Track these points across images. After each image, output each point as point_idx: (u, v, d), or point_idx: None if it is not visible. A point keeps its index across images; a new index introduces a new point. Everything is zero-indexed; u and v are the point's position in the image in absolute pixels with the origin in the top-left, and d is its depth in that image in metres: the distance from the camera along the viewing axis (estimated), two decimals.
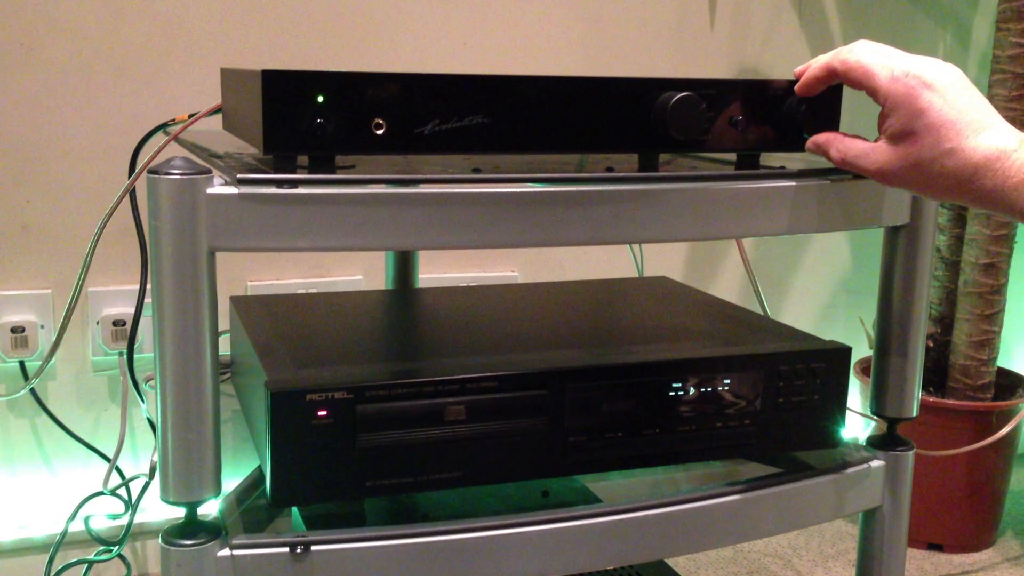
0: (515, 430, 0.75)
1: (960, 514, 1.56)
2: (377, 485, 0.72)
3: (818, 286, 1.70)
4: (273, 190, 0.65)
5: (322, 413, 0.70)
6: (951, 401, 1.51)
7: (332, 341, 0.84)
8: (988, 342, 1.50)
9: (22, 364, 1.24)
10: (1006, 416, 1.46)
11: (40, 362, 1.25)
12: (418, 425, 0.73)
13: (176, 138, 0.92)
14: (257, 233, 0.65)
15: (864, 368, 1.54)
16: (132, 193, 0.91)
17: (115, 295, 1.27)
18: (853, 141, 0.74)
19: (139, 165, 0.90)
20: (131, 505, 1.16)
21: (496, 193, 0.69)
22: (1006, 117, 1.37)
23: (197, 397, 0.66)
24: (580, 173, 0.73)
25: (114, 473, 1.22)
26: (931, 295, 1.56)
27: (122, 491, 1.19)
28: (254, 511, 0.75)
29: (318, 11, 1.33)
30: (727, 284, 1.63)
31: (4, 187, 1.23)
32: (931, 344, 1.56)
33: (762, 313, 1.02)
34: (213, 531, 0.69)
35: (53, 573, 1.22)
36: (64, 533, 1.20)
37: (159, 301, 0.65)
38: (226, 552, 0.69)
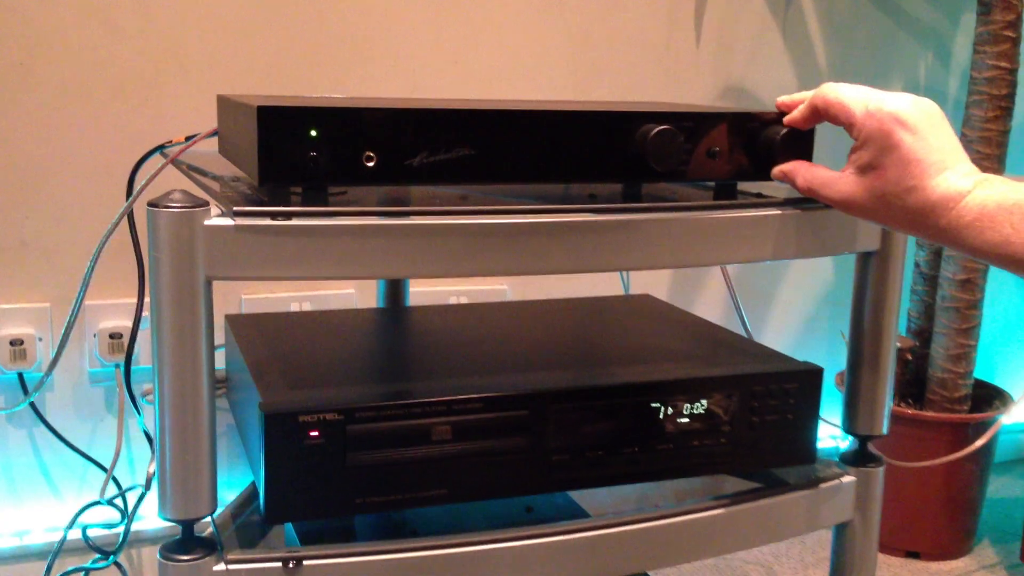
0: (499, 449, 0.78)
1: (937, 522, 1.59)
2: (366, 502, 0.75)
3: (801, 299, 1.73)
4: (268, 222, 0.68)
5: (314, 434, 0.73)
6: (929, 413, 1.55)
7: (323, 361, 0.87)
8: (964, 355, 1.54)
9: (20, 376, 1.27)
10: (982, 428, 1.49)
11: (38, 373, 1.28)
12: (406, 444, 0.76)
13: (173, 160, 0.95)
14: (252, 263, 0.68)
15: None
16: (130, 213, 0.94)
17: (111, 308, 1.30)
18: (819, 170, 0.77)
19: (137, 186, 0.93)
20: (127, 515, 1.19)
21: (482, 224, 0.72)
22: (981, 138, 1.43)
23: (194, 419, 0.69)
24: (564, 204, 0.76)
25: (110, 483, 1.25)
26: (910, 309, 1.61)
27: (118, 500, 1.22)
28: (248, 526, 0.78)
29: (311, 33, 1.36)
30: (712, 299, 1.67)
31: (3, 204, 1.26)
32: (910, 357, 1.60)
33: (744, 331, 1.05)
34: (209, 546, 0.72)
35: None
36: (63, 540, 1.23)
37: (158, 326, 0.68)
38: (222, 567, 0.72)
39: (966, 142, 1.49)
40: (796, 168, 0.79)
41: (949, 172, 0.70)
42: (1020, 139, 1.63)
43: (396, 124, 0.71)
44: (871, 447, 0.93)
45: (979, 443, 1.44)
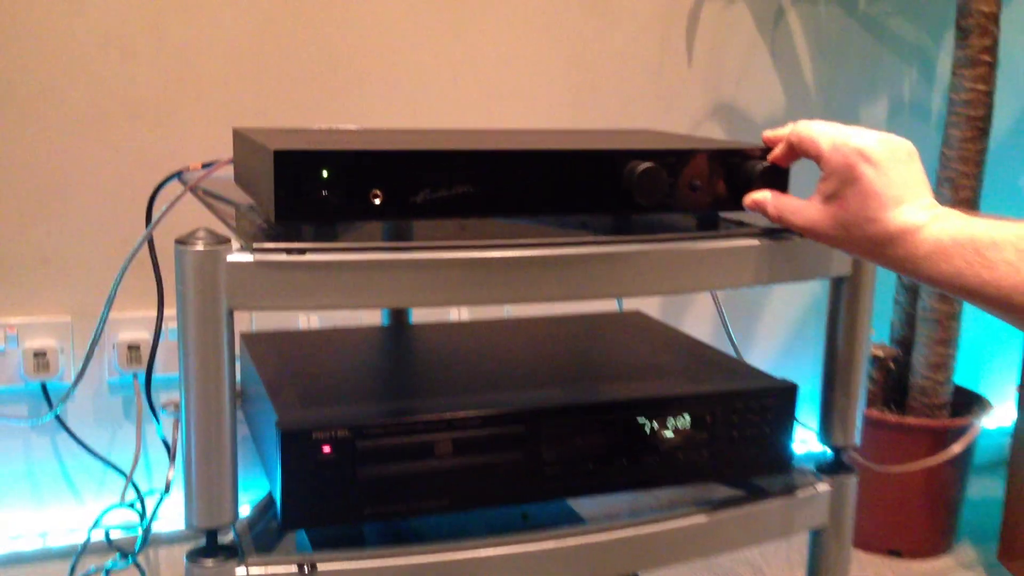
0: (497, 462, 0.85)
1: (918, 522, 1.66)
2: (375, 512, 0.82)
3: (789, 309, 1.80)
4: (284, 257, 0.74)
5: (326, 449, 0.80)
6: (910, 419, 1.62)
7: (332, 379, 0.94)
8: (944, 364, 1.60)
9: (44, 386, 1.34)
10: (961, 433, 1.56)
11: (60, 383, 1.34)
12: (411, 458, 0.82)
13: (191, 188, 1.02)
14: (270, 295, 0.74)
15: None
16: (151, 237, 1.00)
17: (129, 321, 1.36)
18: (788, 198, 0.83)
19: (156, 210, 0.99)
20: (146, 518, 1.26)
21: (481, 258, 0.78)
22: (959, 156, 1.48)
23: (217, 438, 0.75)
24: (558, 238, 0.82)
25: (129, 487, 1.32)
26: (893, 319, 1.67)
27: (137, 503, 1.29)
28: (265, 533, 0.84)
29: (317, 57, 1.42)
30: (702, 313, 1.73)
31: (27, 222, 1.32)
32: (892, 365, 1.66)
33: (731, 346, 1.12)
34: (231, 552, 0.79)
35: None
36: (87, 541, 1.30)
37: (185, 351, 0.74)
38: (243, 571, 0.78)
39: (945, 160, 1.55)
40: (766, 198, 0.85)
41: (907, 206, 0.75)
42: (996, 158, 1.70)
43: (401, 165, 0.77)
44: (845, 457, 1.00)
45: (957, 448, 1.51)
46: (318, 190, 0.76)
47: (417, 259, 0.77)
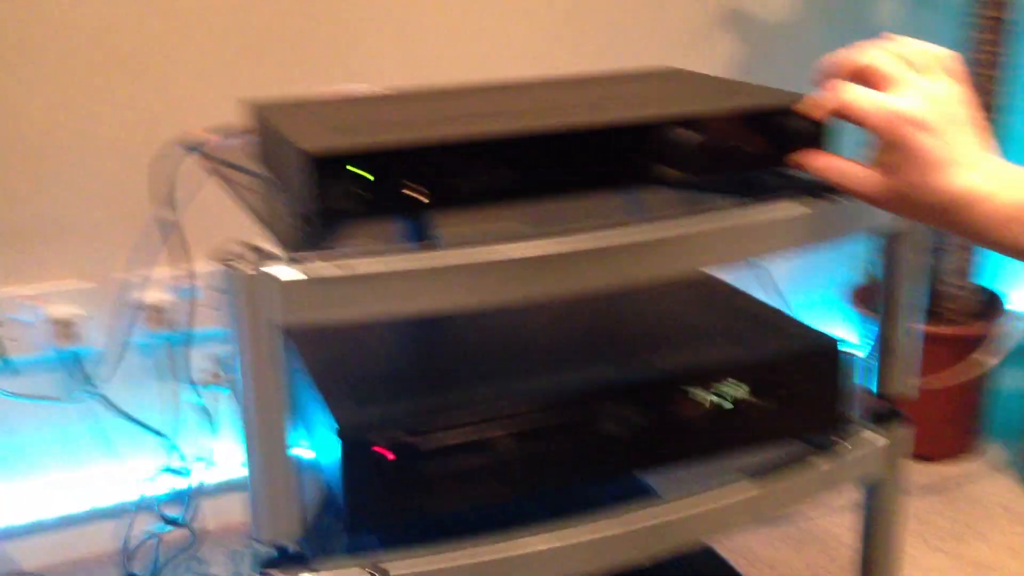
0: (553, 447, 0.84)
1: (945, 427, 1.67)
2: (439, 509, 0.81)
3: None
4: (336, 272, 0.71)
5: (387, 454, 0.79)
6: (937, 327, 1.61)
7: (383, 370, 0.91)
8: (967, 270, 1.59)
9: (74, 354, 1.32)
10: (989, 340, 1.55)
11: (87, 349, 1.33)
12: (471, 452, 0.81)
13: (201, 153, 0.98)
14: (323, 309, 0.72)
15: (860, 297, 1.64)
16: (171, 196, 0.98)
17: (151, 283, 1.33)
18: (849, 167, 0.78)
19: (164, 174, 0.96)
20: (191, 485, 1.26)
21: (517, 259, 0.75)
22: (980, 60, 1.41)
23: (280, 457, 0.74)
24: (602, 224, 0.79)
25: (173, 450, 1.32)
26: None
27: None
28: (330, 535, 0.84)
29: (321, 13, 1.36)
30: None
31: (39, 188, 1.28)
32: None
33: (779, 298, 1.09)
34: (299, 559, 0.79)
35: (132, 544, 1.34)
36: (140, 501, 1.31)
37: (241, 370, 0.72)
38: None
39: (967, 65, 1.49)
40: (828, 164, 0.79)
41: (967, 170, 0.71)
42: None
43: (439, 158, 0.74)
44: (900, 409, 0.99)
45: (993, 361, 1.51)
46: (360, 192, 0.73)
47: (466, 264, 0.74)
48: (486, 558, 0.81)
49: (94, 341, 1.34)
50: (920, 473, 1.66)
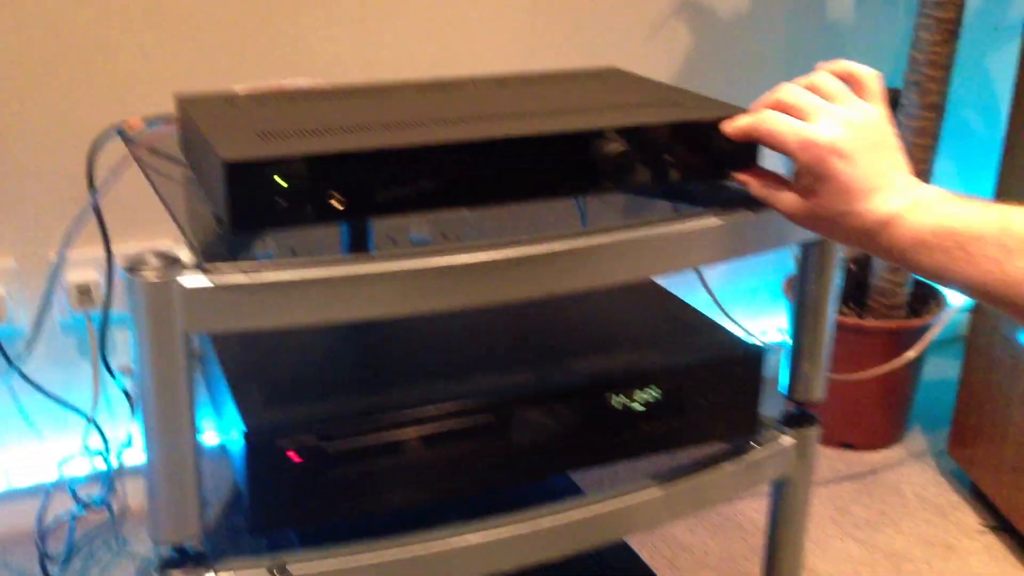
0: (467, 451, 0.84)
1: (871, 417, 1.71)
2: (344, 511, 0.81)
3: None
4: (243, 279, 0.71)
5: (292, 455, 0.79)
6: (868, 321, 1.64)
7: (294, 372, 0.90)
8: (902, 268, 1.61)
9: None
10: (917, 334, 1.58)
11: (9, 328, 1.31)
12: (379, 455, 0.81)
13: (130, 142, 0.97)
14: (227, 318, 0.71)
15: (791, 286, 1.66)
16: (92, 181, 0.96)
17: (76, 263, 1.31)
18: (774, 186, 0.79)
19: (95, 163, 0.94)
20: (111, 467, 1.26)
21: (441, 266, 0.75)
22: (928, 60, 1.44)
23: (181, 461, 0.74)
24: (526, 236, 0.79)
25: (91, 428, 1.31)
26: None
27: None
28: (233, 534, 0.84)
29: (275, 11, 1.35)
30: None
31: None
32: (853, 267, 1.67)
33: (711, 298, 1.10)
34: (199, 560, 0.79)
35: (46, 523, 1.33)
36: (58, 481, 1.30)
37: (143, 376, 0.72)
38: None
39: (914, 64, 1.50)
40: (753, 177, 0.81)
41: (883, 195, 0.73)
42: (964, 61, 1.64)
43: (359, 166, 0.73)
44: (809, 410, 1.01)
45: (911, 354, 1.54)
46: (275, 199, 0.72)
47: (381, 272, 0.74)
48: (393, 557, 0.82)
49: (17, 320, 1.32)
50: (844, 461, 1.70)
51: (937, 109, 1.49)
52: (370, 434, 0.81)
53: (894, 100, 1.54)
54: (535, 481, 0.90)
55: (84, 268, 1.32)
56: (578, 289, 0.81)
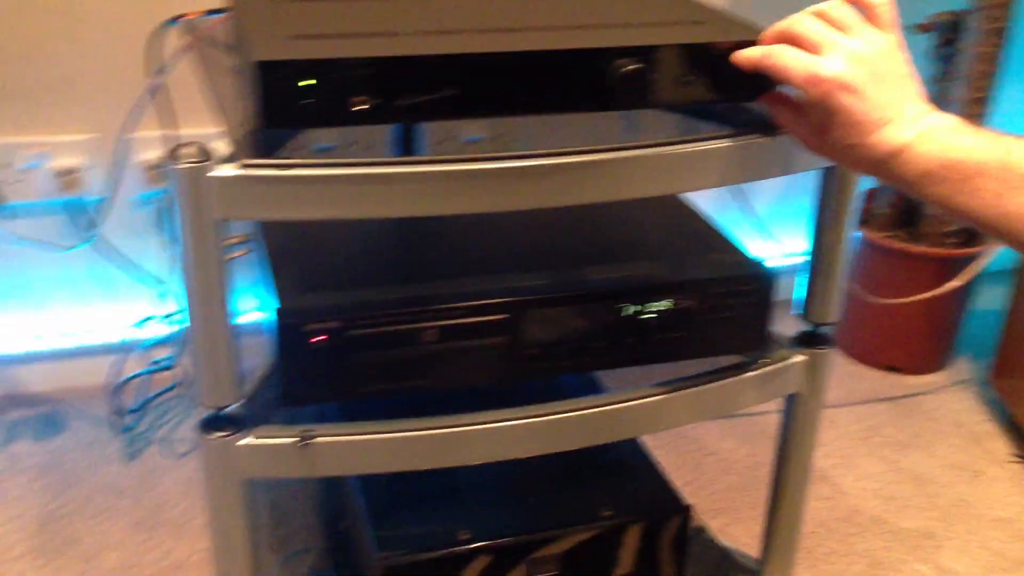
0: (482, 347, 0.90)
1: (917, 341, 1.72)
2: (367, 390, 0.89)
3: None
4: (270, 172, 0.77)
5: (322, 337, 0.86)
6: (915, 247, 1.63)
7: (333, 263, 0.97)
8: None
9: (79, 202, 1.40)
10: (964, 263, 1.58)
11: (90, 198, 1.41)
12: (400, 345, 0.88)
13: (194, 29, 1.03)
14: (257, 206, 0.78)
15: None
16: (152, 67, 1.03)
17: (151, 142, 1.40)
18: (791, 111, 0.81)
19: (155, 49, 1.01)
20: (181, 331, 1.36)
21: (459, 171, 0.80)
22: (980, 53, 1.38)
23: (218, 333, 0.82)
24: (542, 150, 0.83)
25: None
26: None
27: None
28: (268, 405, 0.92)
29: None
30: None
31: (48, 44, 1.34)
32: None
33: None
34: (238, 423, 0.87)
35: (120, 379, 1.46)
36: (129, 342, 1.42)
37: (184, 256, 0.79)
38: (248, 440, 0.87)
39: None
40: (772, 103, 0.83)
41: (892, 125, 0.73)
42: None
43: (385, 70, 0.78)
44: (824, 331, 1.04)
45: (956, 283, 1.54)
46: (302, 99, 0.77)
47: (397, 173, 0.79)
48: (410, 433, 0.89)
49: (95, 190, 1.41)
50: (886, 383, 1.72)
51: (1001, 34, 1.46)
52: (393, 324, 0.88)
53: (956, 24, 1.50)
54: (545, 377, 0.96)
55: (153, 147, 1.41)
56: (591, 201, 0.85)
